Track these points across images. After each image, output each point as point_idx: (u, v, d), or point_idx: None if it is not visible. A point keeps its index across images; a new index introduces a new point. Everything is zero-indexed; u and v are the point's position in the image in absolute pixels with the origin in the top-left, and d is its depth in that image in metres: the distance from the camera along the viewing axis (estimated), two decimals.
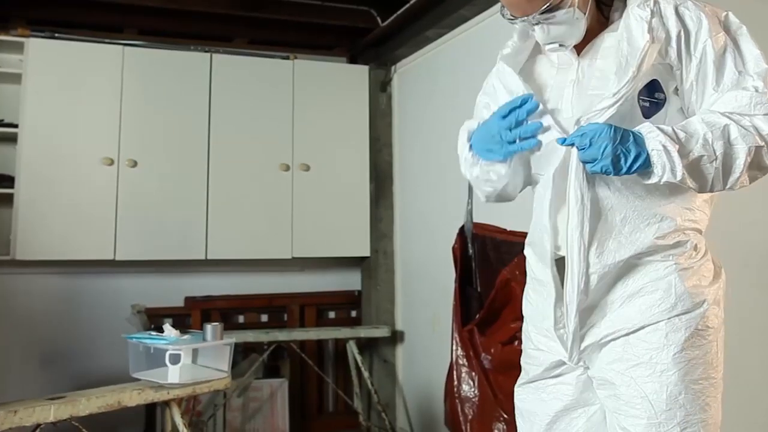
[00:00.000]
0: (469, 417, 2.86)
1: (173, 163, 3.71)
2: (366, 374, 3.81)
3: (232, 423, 3.73)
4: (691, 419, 1.29)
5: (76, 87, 3.57)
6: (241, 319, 4.12)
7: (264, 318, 4.16)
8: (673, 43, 1.33)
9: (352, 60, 4.36)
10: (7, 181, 3.47)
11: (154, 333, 2.25)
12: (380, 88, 4.21)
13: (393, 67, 4.20)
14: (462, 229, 3.10)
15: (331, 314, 4.33)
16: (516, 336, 2.65)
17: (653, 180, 1.24)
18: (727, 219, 1.78)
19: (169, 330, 2.23)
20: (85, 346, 3.72)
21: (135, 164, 3.61)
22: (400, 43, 3.89)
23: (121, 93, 3.63)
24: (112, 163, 3.57)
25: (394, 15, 3.65)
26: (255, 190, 3.86)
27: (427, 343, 3.71)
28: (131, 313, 3.75)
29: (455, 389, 2.93)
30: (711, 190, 1.29)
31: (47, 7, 3.66)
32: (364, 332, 3.90)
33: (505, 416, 2.67)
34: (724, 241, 1.71)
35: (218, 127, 3.80)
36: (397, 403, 4.05)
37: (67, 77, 3.56)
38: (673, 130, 1.24)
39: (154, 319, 3.70)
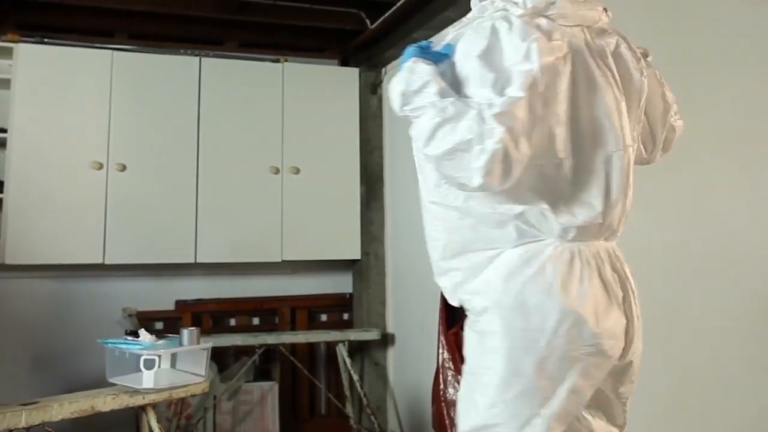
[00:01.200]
0: (455, 420, 2.84)
1: (162, 167, 3.72)
2: (356, 377, 3.79)
3: (222, 426, 3.72)
4: (465, 406, 1.49)
5: (65, 91, 3.58)
6: (232, 322, 4.12)
7: (255, 321, 4.16)
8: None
9: (344, 62, 4.35)
10: None
11: (129, 338, 2.25)
12: (371, 90, 4.20)
13: (383, 69, 4.19)
14: None
15: (323, 317, 4.33)
16: None
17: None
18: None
19: (144, 335, 2.23)
20: (77, 349, 3.72)
21: (124, 168, 3.62)
22: (390, 45, 3.87)
23: (110, 97, 3.64)
24: (101, 167, 3.58)
25: (382, 17, 3.64)
26: (245, 193, 3.85)
27: (418, 345, 3.69)
28: (122, 317, 3.76)
29: (441, 393, 2.89)
30: (422, 145, 1.33)
31: (38, 12, 3.68)
32: (354, 335, 3.89)
33: None
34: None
35: (208, 130, 3.79)
36: (387, 406, 4.03)
37: (56, 82, 3.57)
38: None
39: (145, 323, 3.69)
